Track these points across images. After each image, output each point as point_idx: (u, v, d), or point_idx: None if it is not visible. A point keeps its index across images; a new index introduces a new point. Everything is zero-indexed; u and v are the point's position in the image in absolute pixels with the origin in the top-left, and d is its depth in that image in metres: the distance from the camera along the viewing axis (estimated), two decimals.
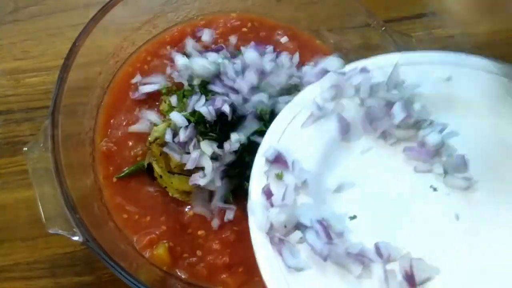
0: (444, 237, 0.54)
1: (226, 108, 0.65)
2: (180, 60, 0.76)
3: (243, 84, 0.68)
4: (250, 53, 0.73)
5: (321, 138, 0.60)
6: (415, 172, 0.58)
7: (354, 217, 0.55)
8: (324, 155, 0.59)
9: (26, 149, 0.64)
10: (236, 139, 0.65)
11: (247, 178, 0.67)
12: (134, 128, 0.73)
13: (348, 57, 0.83)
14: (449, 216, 0.55)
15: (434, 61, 0.63)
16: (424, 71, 0.62)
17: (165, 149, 0.68)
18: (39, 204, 0.61)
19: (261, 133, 0.66)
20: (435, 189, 0.57)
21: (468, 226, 0.54)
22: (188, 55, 0.76)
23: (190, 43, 0.80)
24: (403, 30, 0.88)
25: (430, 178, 0.57)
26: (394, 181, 0.57)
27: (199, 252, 0.68)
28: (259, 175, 0.57)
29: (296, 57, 0.78)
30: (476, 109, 0.60)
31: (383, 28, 0.77)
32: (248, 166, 0.67)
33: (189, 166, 0.66)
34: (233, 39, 0.81)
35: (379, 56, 0.65)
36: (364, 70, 0.62)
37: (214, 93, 0.69)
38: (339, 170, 0.58)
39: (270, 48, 0.79)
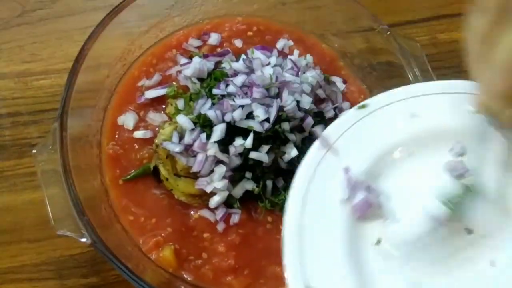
0: (478, 284, 0.51)
1: (229, 118, 0.66)
2: (185, 63, 0.77)
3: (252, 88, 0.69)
4: (256, 56, 0.74)
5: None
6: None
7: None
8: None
9: (35, 151, 0.64)
10: (240, 142, 0.66)
11: (254, 180, 0.68)
12: (138, 134, 0.74)
13: (353, 61, 0.84)
14: (484, 262, 0.52)
15: (465, 90, 0.59)
16: (455, 100, 0.60)
17: (171, 152, 0.68)
18: (48, 205, 0.61)
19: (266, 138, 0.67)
20: (470, 232, 0.54)
21: (504, 274, 0.51)
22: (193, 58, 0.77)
23: (193, 43, 0.81)
24: (407, 34, 0.89)
25: (464, 218, 0.54)
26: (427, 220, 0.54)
27: (204, 255, 0.68)
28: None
29: (302, 61, 0.78)
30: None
31: (388, 33, 0.77)
32: (253, 169, 0.69)
33: (195, 168, 0.67)
34: (238, 42, 0.82)
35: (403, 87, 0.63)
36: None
37: (221, 97, 0.69)
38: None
39: (275, 51, 0.79)
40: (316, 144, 0.59)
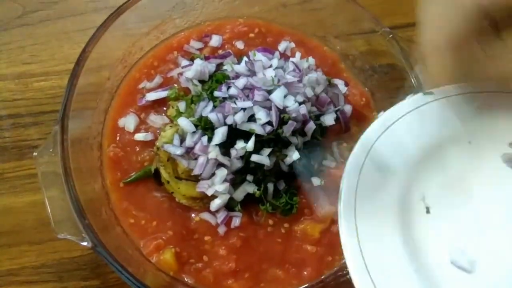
0: None
1: (230, 120, 0.66)
2: (187, 65, 0.76)
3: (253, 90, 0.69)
4: (258, 58, 0.74)
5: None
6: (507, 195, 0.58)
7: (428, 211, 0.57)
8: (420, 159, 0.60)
9: (36, 154, 0.64)
10: (242, 145, 0.66)
11: (255, 183, 0.68)
12: (139, 136, 0.74)
13: (354, 64, 0.83)
14: None
15: None
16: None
17: (172, 155, 0.68)
18: (48, 208, 0.61)
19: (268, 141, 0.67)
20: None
21: None
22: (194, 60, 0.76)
23: (195, 45, 0.81)
24: (408, 36, 0.88)
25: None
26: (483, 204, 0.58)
27: (205, 258, 0.68)
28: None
29: (304, 63, 0.78)
30: None
31: (390, 35, 0.77)
32: (254, 172, 0.68)
33: (196, 171, 0.67)
34: (240, 44, 0.82)
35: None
36: None
37: (222, 99, 0.69)
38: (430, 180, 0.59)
39: (277, 53, 0.79)
40: (377, 121, 0.61)
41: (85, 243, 0.60)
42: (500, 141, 0.61)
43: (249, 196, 0.69)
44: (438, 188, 0.58)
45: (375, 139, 0.59)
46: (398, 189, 0.57)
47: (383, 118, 0.62)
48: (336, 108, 0.75)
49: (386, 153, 0.59)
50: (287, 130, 0.67)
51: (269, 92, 0.69)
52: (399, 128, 0.61)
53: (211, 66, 0.75)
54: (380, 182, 0.57)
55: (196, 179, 0.68)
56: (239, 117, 0.66)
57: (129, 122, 0.74)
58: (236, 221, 0.69)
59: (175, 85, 0.77)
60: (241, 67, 0.73)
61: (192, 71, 0.74)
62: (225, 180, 0.67)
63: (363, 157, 0.58)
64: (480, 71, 0.57)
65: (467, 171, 0.60)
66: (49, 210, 0.61)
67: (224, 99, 0.69)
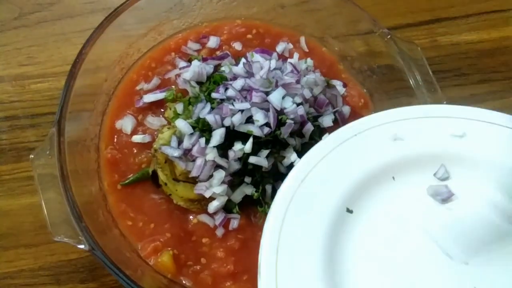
0: None
1: (228, 122, 0.65)
2: (184, 66, 0.76)
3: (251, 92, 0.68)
4: (256, 60, 0.73)
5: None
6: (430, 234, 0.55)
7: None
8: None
9: (32, 156, 0.64)
10: (240, 147, 0.66)
11: (253, 185, 0.68)
12: (137, 138, 0.73)
13: (353, 65, 0.83)
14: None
15: (449, 114, 0.62)
16: (438, 125, 0.61)
17: (170, 157, 0.68)
18: (45, 210, 0.61)
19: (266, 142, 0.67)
20: (450, 258, 0.54)
21: None
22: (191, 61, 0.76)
23: (192, 47, 0.80)
24: (407, 37, 0.89)
25: (446, 244, 0.54)
26: (408, 245, 0.55)
27: (203, 260, 0.68)
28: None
29: (302, 64, 0.78)
30: (491, 166, 0.57)
31: (388, 36, 0.77)
32: (252, 173, 0.68)
33: (194, 173, 0.66)
34: (237, 45, 0.82)
35: (398, 109, 0.63)
36: None
37: (220, 101, 0.68)
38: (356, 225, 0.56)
39: (275, 55, 0.79)
40: (299, 165, 0.59)
41: (82, 246, 0.60)
42: (424, 172, 0.58)
43: (247, 198, 0.69)
44: (365, 237, 0.55)
45: (297, 186, 0.57)
46: (322, 244, 0.54)
47: (302, 163, 0.59)
48: (335, 109, 0.75)
49: (308, 202, 0.56)
50: (285, 131, 0.67)
51: (267, 93, 0.68)
52: (319, 172, 0.58)
53: (208, 68, 0.75)
54: (304, 234, 0.54)
55: (194, 181, 0.68)
56: (236, 119, 0.65)
57: (126, 124, 0.74)
58: (234, 223, 0.68)
59: (173, 86, 0.77)
60: (239, 69, 0.72)
61: (189, 72, 0.74)
62: (223, 182, 0.66)
63: (285, 206, 0.56)
64: None
65: (395, 211, 0.57)
66: (46, 213, 0.61)
67: (222, 100, 0.68)
